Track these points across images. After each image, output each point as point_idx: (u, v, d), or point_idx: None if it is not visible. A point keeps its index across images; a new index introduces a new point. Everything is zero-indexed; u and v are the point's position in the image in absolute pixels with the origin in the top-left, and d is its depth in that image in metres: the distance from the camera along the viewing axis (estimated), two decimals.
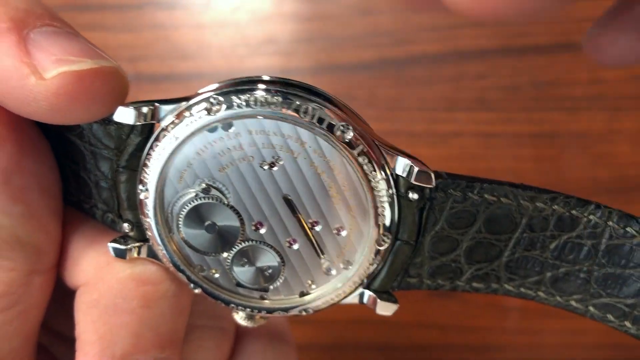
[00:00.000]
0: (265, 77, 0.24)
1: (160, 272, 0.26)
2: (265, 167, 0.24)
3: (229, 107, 0.23)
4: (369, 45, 0.56)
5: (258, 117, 0.23)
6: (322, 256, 0.25)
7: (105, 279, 0.25)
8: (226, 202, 0.24)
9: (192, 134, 0.23)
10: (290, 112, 0.22)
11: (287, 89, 0.23)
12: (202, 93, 0.24)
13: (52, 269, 0.25)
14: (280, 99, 0.23)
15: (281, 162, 0.23)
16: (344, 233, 0.25)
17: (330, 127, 0.22)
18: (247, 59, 0.58)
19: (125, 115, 0.23)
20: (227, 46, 0.58)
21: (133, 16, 0.59)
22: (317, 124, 0.22)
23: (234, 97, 0.23)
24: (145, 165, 0.24)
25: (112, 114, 0.24)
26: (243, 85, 0.23)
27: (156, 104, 0.24)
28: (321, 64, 0.57)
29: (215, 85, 0.24)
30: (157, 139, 0.24)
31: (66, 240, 0.26)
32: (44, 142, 0.25)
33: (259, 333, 0.33)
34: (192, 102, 0.23)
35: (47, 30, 0.22)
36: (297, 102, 0.23)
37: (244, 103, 0.23)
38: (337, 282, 0.26)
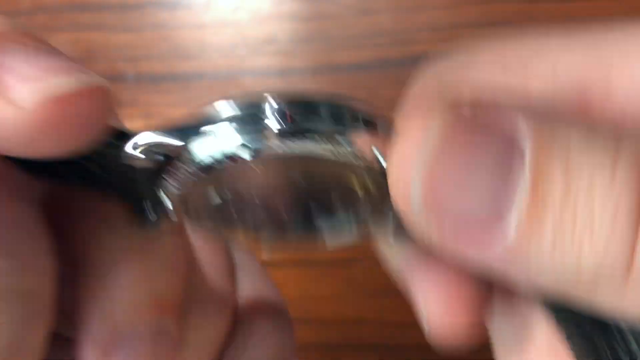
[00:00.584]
0: None
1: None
2: None
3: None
4: (369, 45, 0.56)
5: None
6: None
7: None
8: None
9: None
10: None
11: None
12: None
13: (46, 310, 0.24)
14: None
15: None
16: None
17: None
18: (247, 59, 0.58)
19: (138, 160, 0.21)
20: (227, 46, 0.58)
21: (134, 16, 0.59)
22: None
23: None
24: None
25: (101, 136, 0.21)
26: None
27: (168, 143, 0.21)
28: (321, 64, 0.57)
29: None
30: None
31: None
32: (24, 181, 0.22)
33: (260, 311, 0.33)
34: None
35: (17, 54, 0.19)
36: None
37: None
38: None
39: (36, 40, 0.20)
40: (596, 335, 0.18)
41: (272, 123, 0.20)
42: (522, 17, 0.58)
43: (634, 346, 0.18)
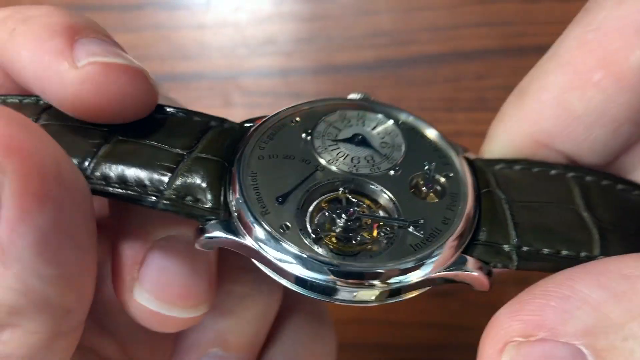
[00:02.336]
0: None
1: None
2: None
3: None
4: (368, 45, 0.56)
5: None
6: None
7: None
8: None
9: None
10: None
11: None
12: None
13: (78, 327, 0.25)
14: None
15: None
16: None
17: None
18: (247, 59, 0.58)
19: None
20: (227, 46, 0.58)
21: (134, 16, 0.59)
22: None
23: None
24: None
25: (137, 117, 0.25)
26: None
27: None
28: (321, 64, 0.57)
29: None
30: None
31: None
32: (83, 194, 0.23)
33: (301, 311, 0.34)
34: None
35: (95, 39, 0.25)
36: None
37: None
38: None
39: (105, 34, 0.26)
40: None
41: None
42: (522, 17, 0.58)
43: None
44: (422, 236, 0.25)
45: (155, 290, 0.27)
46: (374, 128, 0.29)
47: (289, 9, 0.58)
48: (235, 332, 0.31)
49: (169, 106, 0.27)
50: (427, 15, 0.56)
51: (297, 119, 0.28)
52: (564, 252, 0.25)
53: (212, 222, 0.25)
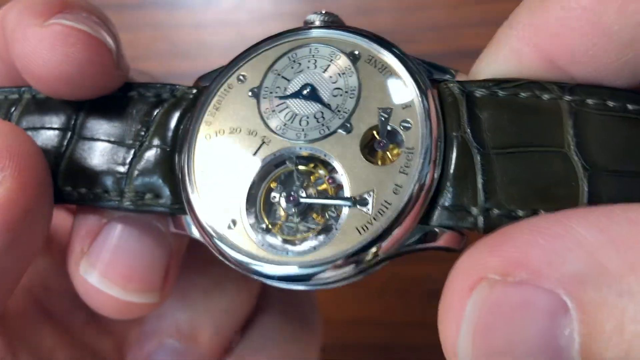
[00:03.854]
0: None
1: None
2: None
3: None
4: None
5: None
6: None
7: None
8: None
9: None
10: None
11: None
12: None
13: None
14: None
15: None
16: None
17: None
18: None
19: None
20: (227, 46, 0.58)
21: (133, 16, 0.59)
22: None
23: None
24: None
25: (97, 91, 0.26)
26: None
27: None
28: None
29: None
30: None
31: None
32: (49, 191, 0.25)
33: (280, 310, 0.34)
34: None
35: (78, 13, 0.25)
36: None
37: None
38: None
39: (97, 14, 0.26)
40: None
41: None
42: None
43: None
44: (369, 214, 0.23)
45: (101, 267, 0.27)
46: (325, 69, 0.25)
47: (289, 8, 0.58)
48: (193, 325, 0.31)
49: (135, 83, 0.27)
50: (427, 15, 0.56)
51: (244, 73, 0.26)
52: (542, 213, 0.21)
53: (173, 217, 0.26)
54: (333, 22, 0.26)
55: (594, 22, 0.21)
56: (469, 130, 0.23)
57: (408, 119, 0.23)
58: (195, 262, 0.31)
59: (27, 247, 0.24)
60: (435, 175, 0.23)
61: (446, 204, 0.23)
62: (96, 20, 0.25)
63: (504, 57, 0.24)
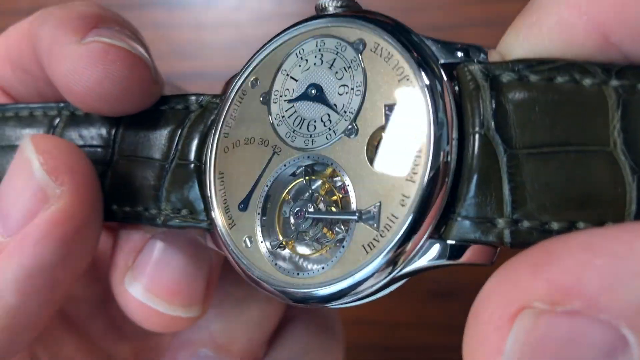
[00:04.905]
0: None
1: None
2: None
3: None
4: None
5: None
6: None
7: None
8: None
9: None
10: None
11: None
12: None
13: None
14: None
15: None
16: None
17: None
18: (247, 58, 0.57)
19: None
20: (227, 46, 0.58)
21: (133, 16, 0.59)
22: None
23: None
24: None
25: (136, 107, 0.26)
26: None
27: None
28: None
29: None
30: None
31: None
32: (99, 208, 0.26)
33: (307, 320, 0.34)
34: None
35: (112, 28, 0.25)
36: None
37: None
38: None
39: (131, 29, 0.27)
40: None
41: None
42: None
43: None
44: (375, 231, 0.20)
45: (147, 281, 0.27)
46: (332, 64, 0.23)
47: (289, 8, 0.57)
48: (227, 335, 0.31)
49: (167, 96, 0.28)
50: (427, 15, 0.56)
51: (256, 77, 0.25)
52: (581, 225, 0.18)
53: (210, 232, 0.25)
54: (347, 6, 0.24)
55: None
56: (493, 125, 0.19)
57: (414, 119, 0.20)
58: (228, 273, 0.31)
59: (79, 262, 0.25)
60: (448, 182, 0.20)
61: (466, 214, 0.19)
62: (129, 34, 0.26)
63: (548, 30, 0.19)
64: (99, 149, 0.27)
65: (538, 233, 0.18)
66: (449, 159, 0.20)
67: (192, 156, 0.26)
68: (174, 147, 0.26)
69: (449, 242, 0.20)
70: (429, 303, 0.55)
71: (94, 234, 0.25)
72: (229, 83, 0.26)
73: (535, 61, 0.19)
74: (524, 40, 0.19)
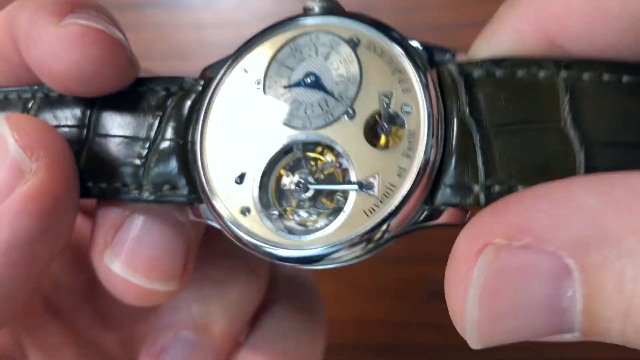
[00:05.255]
0: None
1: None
2: None
3: None
4: None
5: None
6: None
7: None
8: None
9: None
10: None
11: None
12: None
13: None
14: None
15: None
16: None
17: None
18: None
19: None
20: (227, 46, 0.58)
21: (133, 16, 0.59)
22: None
23: None
24: None
25: (111, 88, 0.26)
26: None
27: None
28: None
29: None
30: None
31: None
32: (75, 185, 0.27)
33: (289, 302, 0.34)
34: None
35: (90, 12, 0.25)
36: None
37: None
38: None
39: (107, 14, 0.27)
40: None
41: None
42: None
43: None
44: (376, 197, 0.24)
45: (124, 256, 0.27)
46: (327, 57, 0.26)
47: (289, 8, 0.57)
48: (207, 317, 0.31)
49: (145, 78, 0.28)
50: (428, 15, 0.56)
51: (248, 64, 0.27)
52: None
53: (191, 206, 0.27)
54: (332, 7, 0.27)
55: (595, 5, 0.22)
56: (467, 110, 0.24)
57: (409, 103, 0.24)
58: (207, 255, 0.32)
59: (57, 237, 0.25)
60: (437, 157, 0.24)
61: (449, 182, 0.24)
62: (106, 18, 0.26)
63: (505, 37, 0.24)
64: (74, 129, 0.28)
65: (507, 195, 0.21)
66: (438, 138, 0.24)
67: (177, 134, 0.27)
68: (156, 125, 0.27)
69: (436, 205, 0.24)
70: (430, 303, 0.55)
71: (71, 209, 0.26)
72: (209, 69, 0.28)
73: (500, 59, 0.24)
74: (487, 46, 0.25)
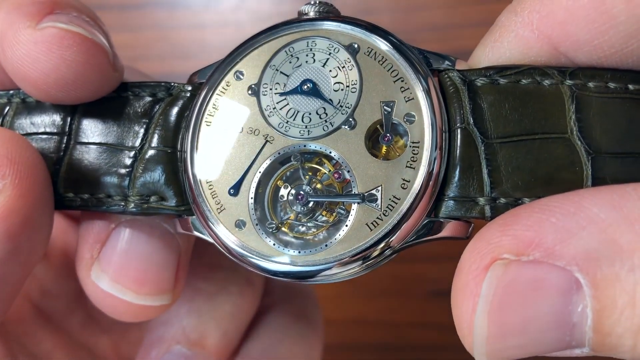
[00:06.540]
0: None
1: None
2: None
3: None
4: None
5: None
6: None
7: None
8: None
9: None
10: None
11: None
12: None
13: None
14: None
15: None
16: None
17: None
18: None
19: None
20: (227, 46, 0.58)
21: (133, 16, 0.59)
22: None
23: None
24: None
25: (92, 94, 0.25)
26: None
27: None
28: None
29: None
30: None
31: None
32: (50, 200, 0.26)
33: (284, 309, 0.34)
34: None
35: (70, 13, 0.24)
36: None
37: None
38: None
39: (89, 14, 0.25)
40: None
41: None
42: None
43: None
44: (379, 210, 0.23)
45: (112, 272, 0.26)
46: (324, 63, 0.25)
47: (289, 8, 0.57)
48: (200, 330, 0.31)
49: (129, 82, 0.27)
50: (427, 15, 0.56)
51: (241, 70, 0.26)
52: None
53: (179, 218, 0.26)
54: (328, 12, 0.26)
55: (600, 11, 0.21)
56: (471, 120, 0.23)
57: (412, 112, 0.24)
58: (199, 268, 0.31)
59: (29, 255, 0.24)
60: (442, 168, 0.23)
61: (453, 195, 0.23)
62: (87, 19, 0.25)
63: (508, 44, 0.23)
64: (54, 136, 0.27)
65: (513, 207, 0.21)
66: (442, 149, 0.23)
67: (165, 143, 0.26)
68: (142, 133, 0.26)
69: (439, 218, 0.23)
70: (430, 303, 0.55)
71: (44, 225, 0.25)
72: (197, 74, 0.27)
73: (504, 67, 0.23)
74: (489, 53, 0.24)
